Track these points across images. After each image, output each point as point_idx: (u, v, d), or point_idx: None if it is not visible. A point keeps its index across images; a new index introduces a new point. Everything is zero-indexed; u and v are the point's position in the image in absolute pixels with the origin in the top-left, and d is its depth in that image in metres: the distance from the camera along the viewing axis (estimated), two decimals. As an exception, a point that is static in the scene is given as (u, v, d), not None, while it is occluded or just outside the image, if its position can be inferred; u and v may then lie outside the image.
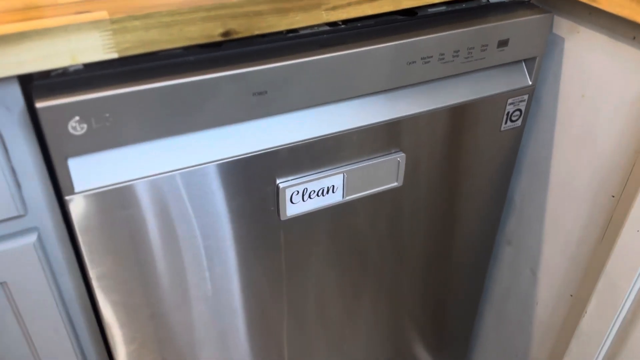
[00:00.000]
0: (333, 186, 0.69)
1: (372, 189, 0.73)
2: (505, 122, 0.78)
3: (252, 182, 0.64)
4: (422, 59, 0.65)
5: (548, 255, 0.87)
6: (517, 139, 0.81)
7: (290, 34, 0.62)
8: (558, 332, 0.89)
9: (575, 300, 0.84)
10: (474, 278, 0.97)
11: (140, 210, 0.59)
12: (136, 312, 0.67)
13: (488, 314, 1.05)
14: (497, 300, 1.02)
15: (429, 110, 0.70)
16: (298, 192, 0.67)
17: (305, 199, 0.68)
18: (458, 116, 0.73)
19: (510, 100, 0.76)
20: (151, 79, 0.54)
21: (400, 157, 0.72)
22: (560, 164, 0.80)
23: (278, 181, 0.66)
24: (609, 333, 0.76)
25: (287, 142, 0.64)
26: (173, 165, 0.58)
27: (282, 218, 0.68)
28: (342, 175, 0.69)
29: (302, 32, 0.62)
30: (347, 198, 0.71)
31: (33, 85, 0.52)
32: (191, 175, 0.60)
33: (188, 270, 0.67)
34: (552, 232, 0.85)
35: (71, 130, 0.52)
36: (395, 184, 0.74)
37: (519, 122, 0.80)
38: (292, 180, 0.66)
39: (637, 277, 0.69)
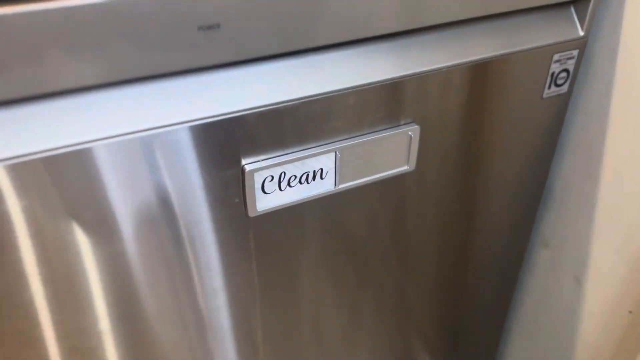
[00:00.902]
0: (321, 170, 0.50)
1: (375, 174, 0.54)
2: (549, 87, 0.59)
3: (205, 163, 0.45)
4: (444, -13, 0.46)
5: (598, 260, 0.68)
6: (561, 109, 0.63)
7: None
8: (611, 357, 0.70)
9: (637, 318, 0.65)
10: (500, 288, 0.78)
11: (18, 204, 0.40)
12: None
13: (517, 330, 0.86)
14: (529, 314, 0.82)
15: (453, 66, 0.52)
16: (272, 177, 0.48)
17: (282, 188, 0.49)
18: (491, 76, 0.54)
19: (556, 57, 0.57)
20: (35, -2, 0.35)
21: (412, 130, 0.53)
22: (619, 142, 0.61)
23: (243, 162, 0.47)
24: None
25: (256, 106, 0.45)
26: (77, 137, 0.39)
27: (251, 214, 0.49)
28: (333, 154, 0.50)
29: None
30: (341, 187, 0.52)
31: None
32: (107, 152, 0.40)
33: (115, 296, 0.48)
34: (605, 229, 0.66)
35: None
36: (405, 168, 0.55)
37: (565, 87, 0.61)
38: (263, 160, 0.47)
39: None
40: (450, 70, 0.52)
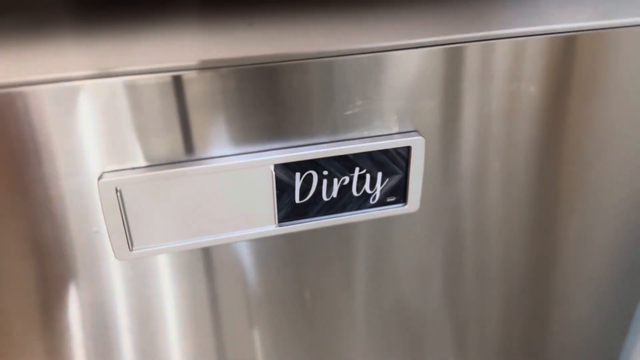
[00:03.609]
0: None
1: (344, 211, 0.33)
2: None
3: (48, 162, 0.27)
4: None
5: None
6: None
7: None
8: None
9: None
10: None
11: None
12: None
13: None
14: None
15: (516, 36, 0.30)
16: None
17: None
18: (579, 62, 0.32)
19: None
20: None
21: (413, 142, 0.31)
22: None
23: (101, 167, 0.28)
24: None
25: (132, 69, 0.26)
26: None
27: (120, 256, 0.30)
28: (268, 171, 0.30)
29: None
30: (287, 227, 0.32)
31: None
32: None
33: None
34: None
35: None
36: (400, 207, 0.33)
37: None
38: (138, 170, 0.28)
39: None
40: (512, 46, 0.30)
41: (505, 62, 0.32)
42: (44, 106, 0.26)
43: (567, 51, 0.32)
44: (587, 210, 0.39)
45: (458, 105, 0.32)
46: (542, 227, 0.39)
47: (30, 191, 0.28)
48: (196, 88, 0.27)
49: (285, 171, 0.30)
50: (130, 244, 0.30)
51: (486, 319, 0.42)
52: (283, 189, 0.31)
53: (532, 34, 0.32)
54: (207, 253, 0.33)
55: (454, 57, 0.31)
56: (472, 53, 0.31)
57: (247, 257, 0.34)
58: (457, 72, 0.31)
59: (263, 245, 0.33)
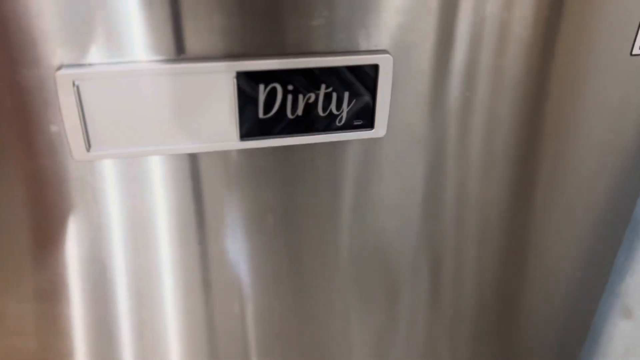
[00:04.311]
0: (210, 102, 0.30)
1: (309, 131, 0.32)
2: (646, 38, 0.35)
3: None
4: None
5: None
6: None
7: None
8: None
9: None
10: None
11: None
12: None
13: None
14: None
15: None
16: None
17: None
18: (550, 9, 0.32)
19: (662, -18, 0.34)
20: None
21: (381, 60, 0.31)
22: None
23: (57, 59, 0.28)
24: None
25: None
26: None
27: (77, 156, 0.30)
28: (230, 78, 0.30)
29: None
30: (248, 141, 0.32)
31: None
32: None
33: None
34: None
35: None
36: (366, 131, 0.33)
37: (676, 45, 0.36)
38: (96, 66, 0.28)
39: None
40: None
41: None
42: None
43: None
44: (568, 150, 0.38)
45: (435, 25, 0.31)
46: (522, 164, 0.38)
47: (-13, 81, 0.27)
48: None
49: (248, 81, 0.30)
50: (88, 145, 0.29)
51: (462, 258, 0.41)
52: (246, 100, 0.30)
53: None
54: (193, 160, 0.32)
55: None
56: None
57: (233, 168, 0.33)
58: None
59: (248, 157, 0.33)
